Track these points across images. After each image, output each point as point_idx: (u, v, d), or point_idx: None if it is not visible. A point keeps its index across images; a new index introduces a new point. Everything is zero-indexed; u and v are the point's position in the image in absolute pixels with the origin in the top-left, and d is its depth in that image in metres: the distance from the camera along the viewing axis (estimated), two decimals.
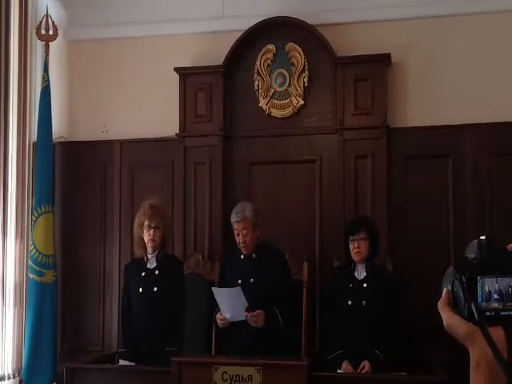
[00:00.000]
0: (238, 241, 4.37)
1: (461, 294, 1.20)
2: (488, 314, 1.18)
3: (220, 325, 4.25)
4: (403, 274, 4.59)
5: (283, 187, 5.07)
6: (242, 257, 4.42)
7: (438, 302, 1.26)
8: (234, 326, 4.22)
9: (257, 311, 4.13)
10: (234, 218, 4.37)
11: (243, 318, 4.12)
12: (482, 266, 1.21)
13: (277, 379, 3.82)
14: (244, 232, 4.33)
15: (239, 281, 4.30)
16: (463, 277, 1.21)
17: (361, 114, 4.91)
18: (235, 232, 4.38)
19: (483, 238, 1.24)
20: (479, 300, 1.19)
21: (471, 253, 1.24)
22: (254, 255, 4.40)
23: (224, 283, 4.39)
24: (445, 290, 1.25)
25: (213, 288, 4.30)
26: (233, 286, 4.23)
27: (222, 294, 4.19)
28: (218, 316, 4.23)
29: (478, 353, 1.17)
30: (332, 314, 4.27)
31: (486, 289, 1.19)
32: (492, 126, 4.72)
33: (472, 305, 1.17)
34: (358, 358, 4.05)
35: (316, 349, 4.65)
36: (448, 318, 1.23)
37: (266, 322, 4.15)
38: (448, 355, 4.23)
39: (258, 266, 4.35)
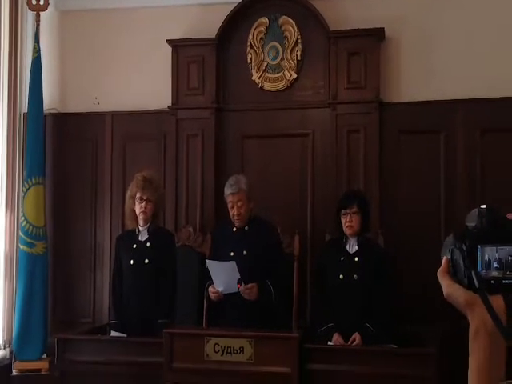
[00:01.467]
0: (232, 213, 4.36)
1: (461, 262, 1.21)
2: (489, 282, 1.19)
3: (213, 298, 4.25)
4: (395, 248, 4.62)
5: (275, 161, 5.07)
6: (234, 229, 4.41)
7: (438, 271, 1.26)
8: (226, 298, 4.23)
9: (250, 284, 4.14)
10: (228, 190, 4.36)
11: (236, 291, 4.14)
12: (482, 234, 1.21)
13: (268, 351, 3.85)
14: (239, 204, 4.32)
15: (232, 253, 4.30)
16: (463, 245, 1.21)
17: (354, 89, 4.89)
18: (229, 204, 4.37)
19: (483, 206, 1.24)
20: (479, 268, 1.19)
21: (471, 222, 1.24)
22: (246, 228, 4.39)
23: (216, 256, 4.39)
24: (444, 259, 1.26)
25: (207, 260, 4.30)
26: (225, 259, 4.23)
27: (216, 267, 4.19)
28: (211, 289, 4.23)
29: (477, 320, 1.18)
30: (323, 287, 4.29)
31: (486, 257, 1.20)
32: (485, 102, 4.72)
33: (472, 273, 1.18)
34: (349, 331, 4.07)
35: (307, 322, 4.68)
36: (448, 286, 1.23)
37: (259, 295, 4.16)
38: (439, 328, 4.31)
39: (250, 238, 4.35)
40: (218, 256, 4.34)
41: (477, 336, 1.18)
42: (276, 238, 4.47)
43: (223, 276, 4.16)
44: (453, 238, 1.24)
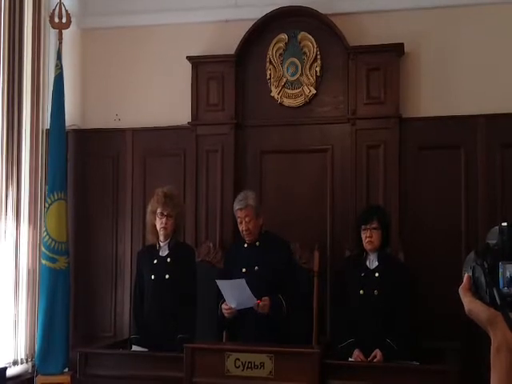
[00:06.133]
0: (240, 228, 4.40)
1: (482, 279, 1.22)
2: (510, 299, 1.19)
3: (226, 314, 4.25)
4: (415, 264, 4.59)
5: (295, 176, 5.08)
6: (245, 245, 4.45)
7: (459, 288, 1.27)
8: (238, 314, 4.23)
9: (263, 298, 4.16)
10: (236, 205, 4.42)
11: (251, 305, 4.14)
12: (503, 251, 1.22)
13: (289, 367, 3.84)
14: (247, 219, 4.36)
15: (243, 269, 4.32)
16: (485, 262, 1.22)
17: (373, 104, 4.90)
18: (238, 220, 4.42)
19: (505, 224, 1.25)
20: (501, 285, 1.20)
21: (493, 239, 1.25)
22: (257, 243, 4.42)
23: (228, 273, 4.41)
24: (466, 276, 1.26)
25: (217, 280, 4.28)
26: (237, 275, 4.26)
27: (226, 286, 4.20)
28: (224, 306, 4.24)
29: (499, 338, 1.18)
30: (344, 303, 4.28)
31: (508, 274, 1.20)
32: (505, 117, 4.71)
33: (494, 290, 1.18)
34: (369, 347, 4.06)
35: (327, 338, 4.66)
36: (469, 303, 1.24)
37: (271, 309, 4.17)
38: (458, 345, 4.27)
39: (261, 253, 4.38)
40: (230, 272, 4.37)
41: (498, 353, 1.18)
42: (287, 252, 4.47)
43: (235, 294, 4.17)
44: (474, 255, 1.25)
